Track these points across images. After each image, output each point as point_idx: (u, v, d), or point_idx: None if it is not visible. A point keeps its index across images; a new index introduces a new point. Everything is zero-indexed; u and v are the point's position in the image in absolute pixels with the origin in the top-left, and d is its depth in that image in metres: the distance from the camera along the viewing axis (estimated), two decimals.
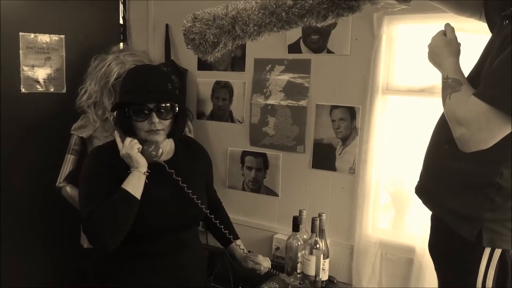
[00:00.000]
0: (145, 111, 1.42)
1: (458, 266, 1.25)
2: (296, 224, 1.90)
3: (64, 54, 2.26)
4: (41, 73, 2.20)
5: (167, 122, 1.47)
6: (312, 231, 1.88)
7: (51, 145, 2.21)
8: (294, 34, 2.12)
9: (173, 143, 1.60)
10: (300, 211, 1.95)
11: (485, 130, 1.05)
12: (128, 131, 1.47)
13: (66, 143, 2.06)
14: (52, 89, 2.25)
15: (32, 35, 2.16)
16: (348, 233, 2.08)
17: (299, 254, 1.90)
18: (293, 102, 2.17)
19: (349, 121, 2.04)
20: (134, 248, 1.46)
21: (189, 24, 1.32)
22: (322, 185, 2.15)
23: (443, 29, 1.29)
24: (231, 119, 2.38)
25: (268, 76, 2.23)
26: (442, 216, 1.29)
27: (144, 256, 1.48)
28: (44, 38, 2.19)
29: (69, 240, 2.22)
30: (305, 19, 1.25)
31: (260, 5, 1.26)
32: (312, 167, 2.17)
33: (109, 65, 1.99)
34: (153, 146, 1.46)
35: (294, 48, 2.15)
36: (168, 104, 1.45)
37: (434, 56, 1.27)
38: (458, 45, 1.24)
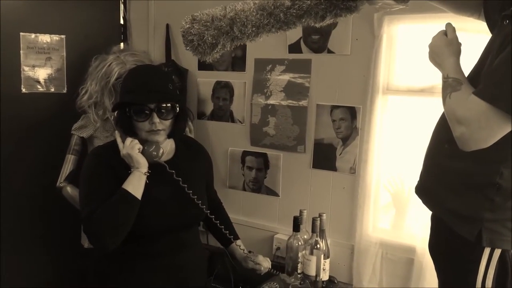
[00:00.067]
0: (146, 111, 1.42)
1: (458, 266, 1.25)
2: (296, 224, 1.90)
3: (64, 54, 2.27)
4: (42, 73, 2.20)
5: (167, 122, 1.47)
6: (313, 231, 1.88)
7: (52, 145, 2.21)
8: (295, 34, 2.12)
9: (174, 143, 1.60)
10: (301, 211, 1.95)
11: (484, 128, 1.05)
12: (129, 131, 1.47)
13: (66, 143, 2.07)
14: (52, 89, 2.25)
15: (33, 35, 2.16)
16: (349, 233, 2.08)
17: (300, 254, 1.89)
18: (294, 102, 2.17)
19: (350, 121, 2.04)
20: (135, 248, 1.46)
21: (187, 26, 1.32)
22: (322, 185, 2.15)
23: (444, 29, 1.29)
24: (232, 119, 2.38)
25: (268, 76, 2.23)
26: (442, 216, 1.29)
27: (145, 256, 1.48)
28: (44, 38, 2.20)
29: (69, 240, 2.23)
30: (303, 20, 1.25)
31: (258, 6, 1.26)
32: (312, 167, 2.17)
33: (109, 65, 1.99)
34: (153, 146, 1.46)
35: (294, 48, 2.15)
36: (168, 104, 1.45)
37: (435, 56, 1.27)
38: (458, 45, 1.24)
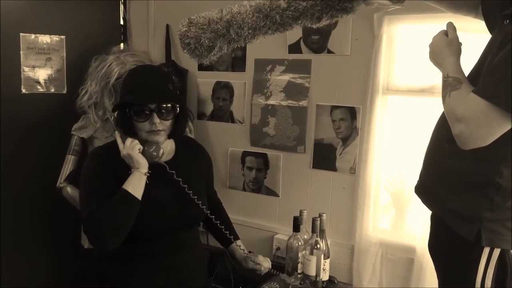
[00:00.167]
0: (146, 112, 1.42)
1: (458, 266, 1.25)
2: (296, 224, 1.90)
3: (64, 54, 2.27)
4: (42, 74, 2.20)
5: (168, 123, 1.47)
6: (313, 231, 1.88)
7: (52, 146, 2.21)
8: (295, 34, 2.12)
9: (174, 144, 1.60)
10: (301, 211, 1.95)
11: (484, 127, 1.04)
12: (129, 131, 1.47)
13: (66, 144, 2.07)
14: (52, 90, 2.25)
15: (33, 36, 2.16)
16: (349, 233, 2.08)
17: (300, 254, 1.89)
18: (294, 102, 2.17)
19: (350, 121, 2.04)
20: (135, 249, 1.46)
21: (184, 29, 1.33)
22: (322, 185, 2.15)
23: (444, 28, 1.29)
24: (232, 120, 2.38)
25: (268, 77, 2.24)
26: (442, 215, 1.29)
27: (145, 256, 1.48)
28: (44, 38, 2.20)
29: (69, 240, 2.23)
30: (299, 21, 1.25)
31: (254, 8, 1.26)
32: (312, 167, 2.17)
33: (109, 65, 1.99)
34: (154, 147, 1.46)
35: (294, 48, 2.15)
36: (169, 105, 1.45)
37: (435, 55, 1.27)
38: (459, 44, 1.25)
